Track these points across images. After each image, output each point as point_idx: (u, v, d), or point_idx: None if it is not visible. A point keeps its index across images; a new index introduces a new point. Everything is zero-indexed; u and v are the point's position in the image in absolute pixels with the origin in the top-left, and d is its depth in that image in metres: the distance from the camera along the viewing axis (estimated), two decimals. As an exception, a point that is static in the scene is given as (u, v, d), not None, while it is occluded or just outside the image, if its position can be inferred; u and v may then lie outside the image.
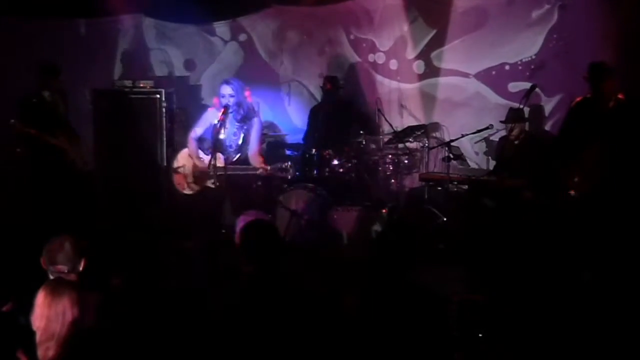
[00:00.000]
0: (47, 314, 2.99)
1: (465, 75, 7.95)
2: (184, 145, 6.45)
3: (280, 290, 3.47)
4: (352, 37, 8.46)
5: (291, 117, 8.66)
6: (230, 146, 6.16)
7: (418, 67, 8.19)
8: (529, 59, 7.61)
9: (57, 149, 6.70)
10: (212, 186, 5.90)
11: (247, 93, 6.35)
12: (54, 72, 6.87)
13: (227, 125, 6.05)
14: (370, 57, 8.40)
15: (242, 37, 8.77)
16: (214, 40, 8.83)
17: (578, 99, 6.06)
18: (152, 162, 7.75)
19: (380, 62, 8.37)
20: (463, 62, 7.96)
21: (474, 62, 7.91)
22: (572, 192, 5.72)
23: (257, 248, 3.63)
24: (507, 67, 7.74)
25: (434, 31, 8.05)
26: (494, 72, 7.81)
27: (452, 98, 8.05)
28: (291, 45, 8.65)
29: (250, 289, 3.50)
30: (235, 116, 6.11)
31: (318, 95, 8.41)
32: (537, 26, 7.56)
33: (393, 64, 8.31)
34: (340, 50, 8.51)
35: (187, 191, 6.25)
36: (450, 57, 8.02)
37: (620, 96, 5.76)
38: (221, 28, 8.79)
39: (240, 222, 4.24)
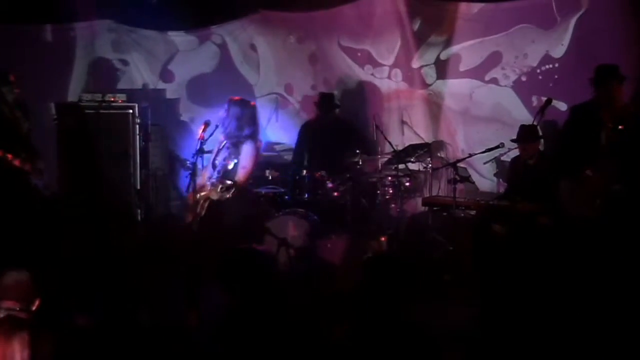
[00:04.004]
0: (-6, 359, 2.91)
1: (477, 85, 7.99)
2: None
3: (261, 324, 3.39)
4: (346, 45, 8.46)
5: (268, 134, 8.55)
6: (219, 171, 6.08)
7: (422, 78, 8.22)
8: (550, 67, 7.62)
9: (20, 172, 6.62)
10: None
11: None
12: (4, 81, 6.77)
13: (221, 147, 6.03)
14: (368, 68, 8.41)
15: (218, 41, 8.83)
16: (188, 49, 8.89)
17: (577, 104, 6.03)
18: (124, 184, 7.68)
19: (378, 73, 8.37)
20: (472, 72, 8.00)
21: (485, 72, 7.94)
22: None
23: (236, 278, 3.57)
24: (523, 78, 7.76)
25: (439, 39, 8.09)
26: (512, 84, 7.84)
27: (460, 111, 8.10)
28: (276, 55, 8.66)
29: (229, 323, 3.44)
30: (228, 139, 6.05)
31: (307, 110, 8.38)
32: (557, 32, 7.58)
33: (393, 75, 8.31)
34: (333, 61, 8.50)
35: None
36: (457, 66, 8.06)
37: (627, 104, 5.73)
38: (196, 36, 8.85)
39: None
